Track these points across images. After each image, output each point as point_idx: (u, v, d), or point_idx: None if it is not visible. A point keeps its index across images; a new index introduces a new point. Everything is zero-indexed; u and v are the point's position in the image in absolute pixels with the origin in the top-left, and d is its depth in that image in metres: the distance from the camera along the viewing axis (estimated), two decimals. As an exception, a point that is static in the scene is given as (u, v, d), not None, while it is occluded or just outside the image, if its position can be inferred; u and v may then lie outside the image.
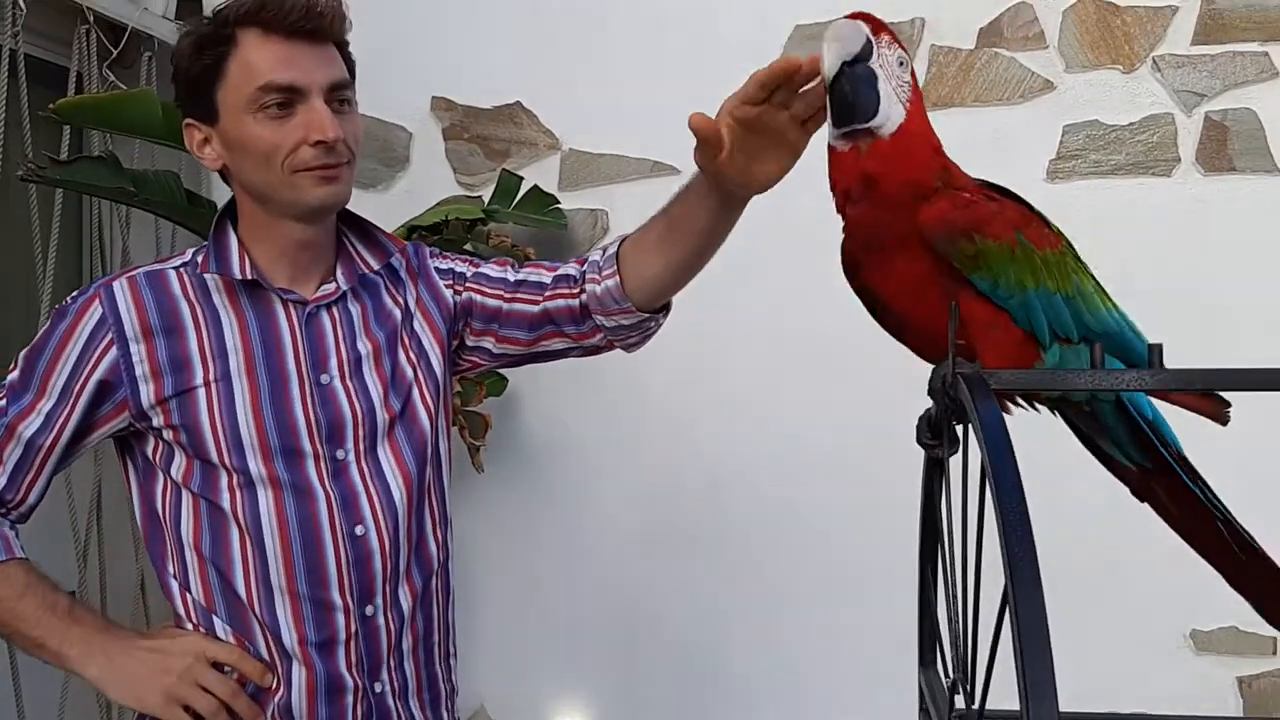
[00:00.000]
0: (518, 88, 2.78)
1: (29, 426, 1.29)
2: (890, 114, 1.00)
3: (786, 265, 2.50)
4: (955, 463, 0.90)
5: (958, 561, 0.84)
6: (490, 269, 1.47)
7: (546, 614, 2.80)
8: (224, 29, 1.28)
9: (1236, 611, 2.50)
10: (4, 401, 1.31)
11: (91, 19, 2.60)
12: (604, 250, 1.41)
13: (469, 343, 1.47)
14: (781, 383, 2.64)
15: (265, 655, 1.32)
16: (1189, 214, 2.50)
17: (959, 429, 0.88)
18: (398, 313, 1.41)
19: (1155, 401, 1.05)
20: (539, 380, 2.75)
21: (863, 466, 2.49)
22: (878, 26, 1.02)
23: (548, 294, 1.42)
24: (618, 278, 1.37)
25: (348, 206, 1.39)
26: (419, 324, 1.42)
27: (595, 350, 1.47)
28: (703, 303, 2.67)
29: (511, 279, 1.45)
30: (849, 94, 1.00)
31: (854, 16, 1.02)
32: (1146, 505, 1.11)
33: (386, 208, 2.72)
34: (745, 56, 2.63)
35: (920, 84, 2.53)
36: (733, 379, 2.67)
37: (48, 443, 1.30)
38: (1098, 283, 1.07)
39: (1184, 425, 1.09)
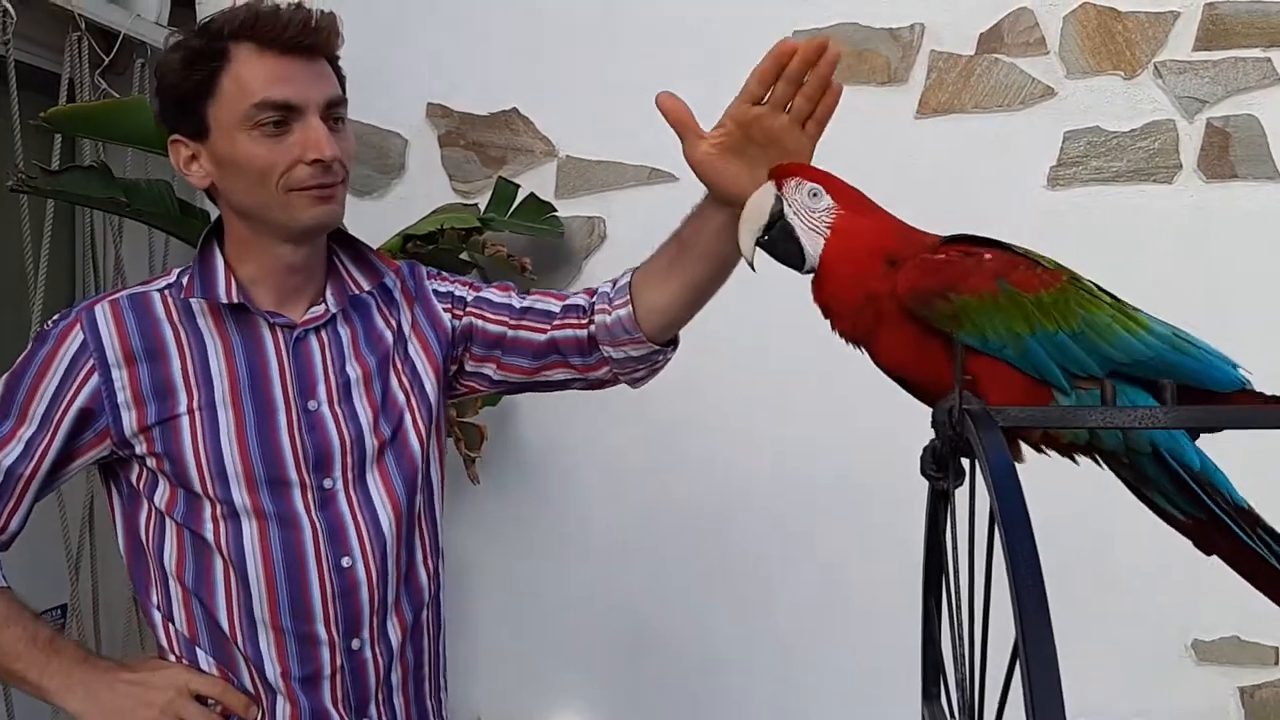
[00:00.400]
0: (514, 94, 2.76)
1: (9, 455, 1.26)
2: (814, 251, 1.08)
3: (790, 275, 2.48)
4: (962, 488, 0.88)
5: (963, 598, 0.82)
6: (493, 294, 1.44)
7: (542, 625, 2.78)
8: (216, 43, 1.23)
9: (1238, 622, 2.52)
10: None
11: (83, 25, 2.57)
12: (614, 282, 1.40)
13: (468, 368, 1.44)
14: (782, 393, 2.62)
15: (249, 688, 1.29)
16: (1190, 221, 2.49)
17: (965, 461, 0.86)
18: (389, 335, 1.38)
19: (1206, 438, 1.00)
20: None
21: (866, 479, 2.47)
22: (783, 174, 1.11)
23: (555, 323, 1.40)
24: (630, 308, 1.35)
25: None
26: (414, 348, 1.39)
27: (599, 384, 1.45)
28: (704, 313, 2.67)
29: (516, 305, 1.42)
30: (778, 256, 1.11)
31: (769, 174, 1.12)
32: (1150, 514, 1.07)
33: (381, 215, 2.70)
34: (743, 63, 2.64)
35: (920, 90, 2.55)
36: (732, 390, 2.65)
37: (28, 471, 1.26)
38: (1120, 308, 1.01)
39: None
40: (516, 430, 2.75)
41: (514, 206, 2.58)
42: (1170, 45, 2.48)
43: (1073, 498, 2.28)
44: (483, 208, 2.61)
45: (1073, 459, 1.02)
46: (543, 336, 1.40)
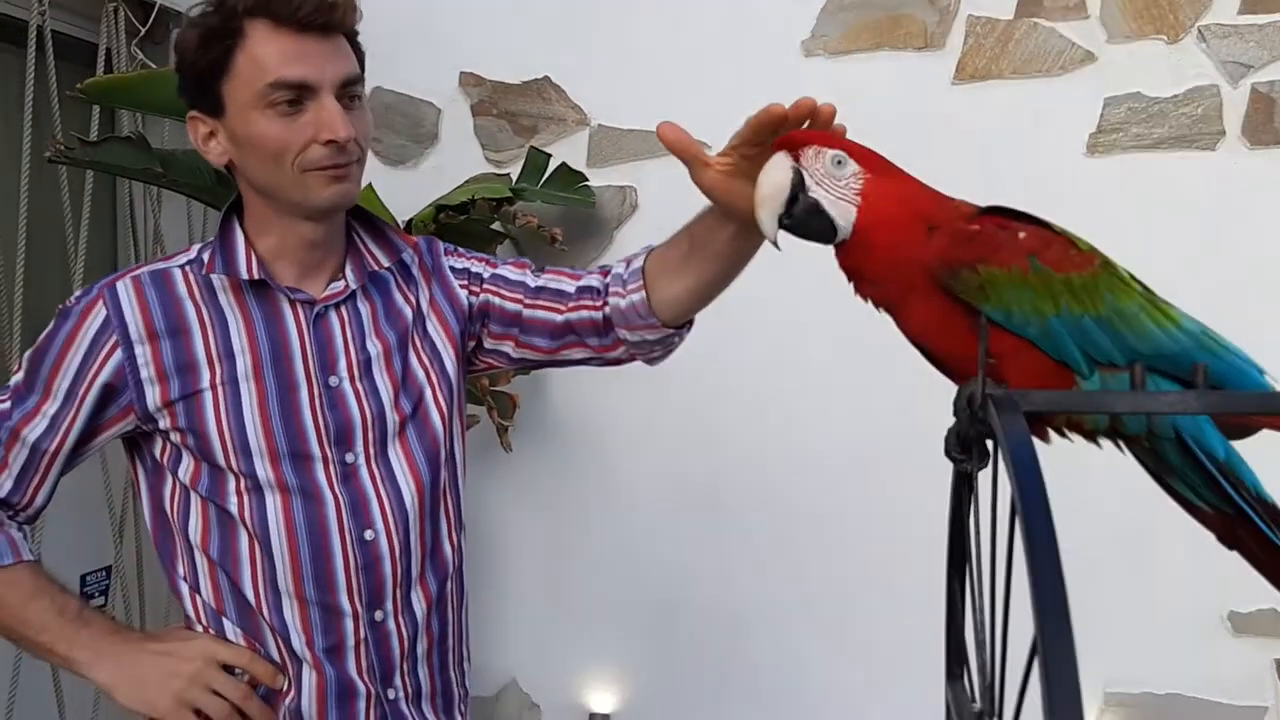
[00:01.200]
0: (546, 63, 2.75)
1: (34, 430, 1.27)
2: (845, 222, 1.03)
3: (816, 248, 2.46)
4: (985, 473, 0.87)
5: (984, 583, 0.81)
6: (509, 271, 1.44)
7: (575, 589, 2.81)
8: (232, 20, 1.21)
9: (1275, 594, 2.49)
10: (8, 404, 1.28)
11: (119, -5, 2.59)
12: (628, 264, 1.38)
13: (487, 345, 1.45)
14: (811, 365, 2.61)
15: (276, 658, 1.31)
16: (1234, 189, 2.43)
17: (989, 443, 0.86)
18: (409, 311, 1.38)
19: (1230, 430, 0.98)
20: (568, 358, 2.74)
21: (896, 450, 2.46)
22: (799, 143, 1.05)
23: (571, 305, 1.39)
24: (643, 293, 1.34)
25: (374, 192, 1.35)
26: (432, 325, 1.39)
27: (616, 362, 1.44)
28: (735, 283, 2.66)
29: (531, 284, 1.42)
30: (804, 234, 1.05)
31: (777, 145, 1.06)
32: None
33: (415, 185, 2.72)
34: (777, 29, 2.63)
35: (958, 55, 2.51)
36: (762, 361, 2.64)
37: (53, 446, 1.28)
38: (1151, 300, 0.99)
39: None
40: (548, 399, 2.76)
41: (546, 176, 2.58)
42: (1215, 8, 2.42)
43: (1110, 469, 2.26)
44: (515, 177, 2.61)
45: (1096, 443, 1.01)
46: (559, 318, 1.40)
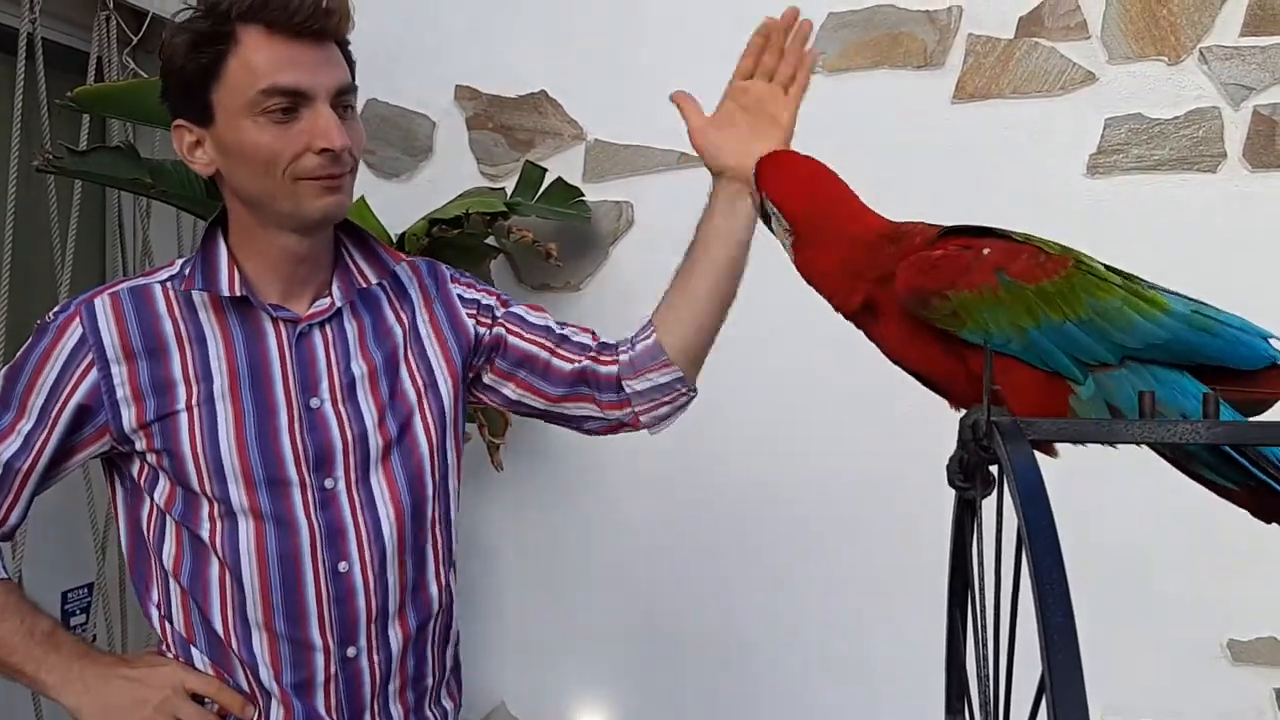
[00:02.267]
0: (543, 77, 2.72)
1: (8, 448, 1.23)
2: (785, 246, 1.12)
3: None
4: (988, 501, 0.84)
5: (988, 617, 0.78)
6: (526, 312, 1.43)
7: (566, 611, 2.77)
8: (223, 25, 1.17)
9: (1275, 622, 2.46)
10: None
11: (112, 4, 2.57)
12: (634, 328, 1.44)
13: (485, 381, 1.42)
14: (811, 383, 2.58)
15: (245, 690, 1.27)
16: (1235, 212, 2.41)
17: (993, 469, 0.83)
18: (399, 331, 1.34)
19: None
20: (561, 376, 2.71)
21: (895, 476, 2.43)
22: (757, 180, 1.17)
23: (590, 355, 1.41)
24: (654, 337, 1.39)
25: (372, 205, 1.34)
26: (432, 349, 1.35)
27: (615, 426, 1.46)
28: (731, 308, 2.64)
29: (555, 330, 1.42)
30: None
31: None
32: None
33: (409, 198, 2.69)
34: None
35: (957, 74, 2.49)
36: (759, 378, 2.61)
37: (26, 465, 1.23)
38: (1132, 289, 0.95)
39: None
40: (541, 417, 2.73)
41: (541, 190, 2.55)
42: (1217, 30, 2.40)
43: (1110, 497, 2.24)
44: (510, 191, 2.58)
45: (1113, 445, 0.97)
46: (575, 366, 1.40)
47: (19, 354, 1.25)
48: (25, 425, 1.23)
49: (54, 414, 1.22)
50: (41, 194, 2.43)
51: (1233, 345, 0.94)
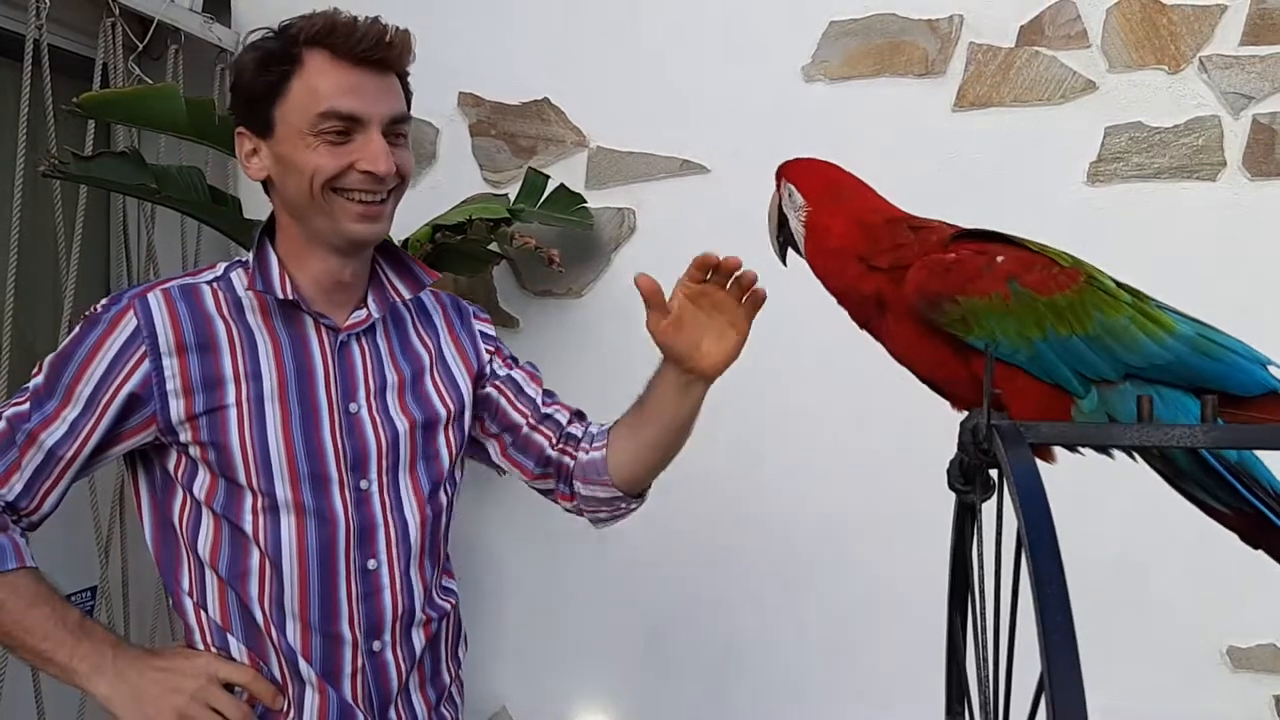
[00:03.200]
0: (546, 84, 2.74)
1: (52, 435, 1.26)
2: (799, 234, 1.13)
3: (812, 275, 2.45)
4: (987, 504, 0.85)
5: (988, 619, 0.79)
6: (523, 380, 1.49)
7: (568, 616, 2.78)
8: (292, 47, 1.26)
9: (1275, 629, 2.46)
10: (27, 406, 1.27)
11: (117, 11, 2.57)
12: (602, 426, 1.48)
13: (472, 434, 1.48)
14: (814, 388, 2.59)
15: (279, 678, 1.30)
16: (1234, 220, 2.43)
17: (993, 472, 0.84)
18: (425, 353, 1.41)
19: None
20: (563, 382, 2.71)
21: (897, 481, 2.44)
22: (778, 173, 1.17)
23: (558, 446, 1.46)
24: (604, 452, 1.43)
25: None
26: (458, 369, 1.42)
27: (578, 512, 1.52)
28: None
29: (540, 406, 1.47)
30: (799, 253, 1.17)
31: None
32: (1187, 521, 1.04)
33: (412, 204, 2.65)
34: (778, 54, 2.62)
35: (958, 82, 2.51)
36: (763, 384, 2.62)
37: (70, 453, 1.27)
38: (1140, 309, 0.97)
39: None
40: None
41: (544, 197, 2.56)
42: (1216, 39, 2.42)
43: (1111, 502, 2.25)
44: (513, 198, 2.59)
45: (1109, 454, 0.98)
46: (551, 451, 1.47)
47: (67, 343, 1.29)
48: (71, 413, 1.26)
49: (103, 402, 1.25)
50: (46, 199, 2.44)
51: (1233, 370, 0.96)
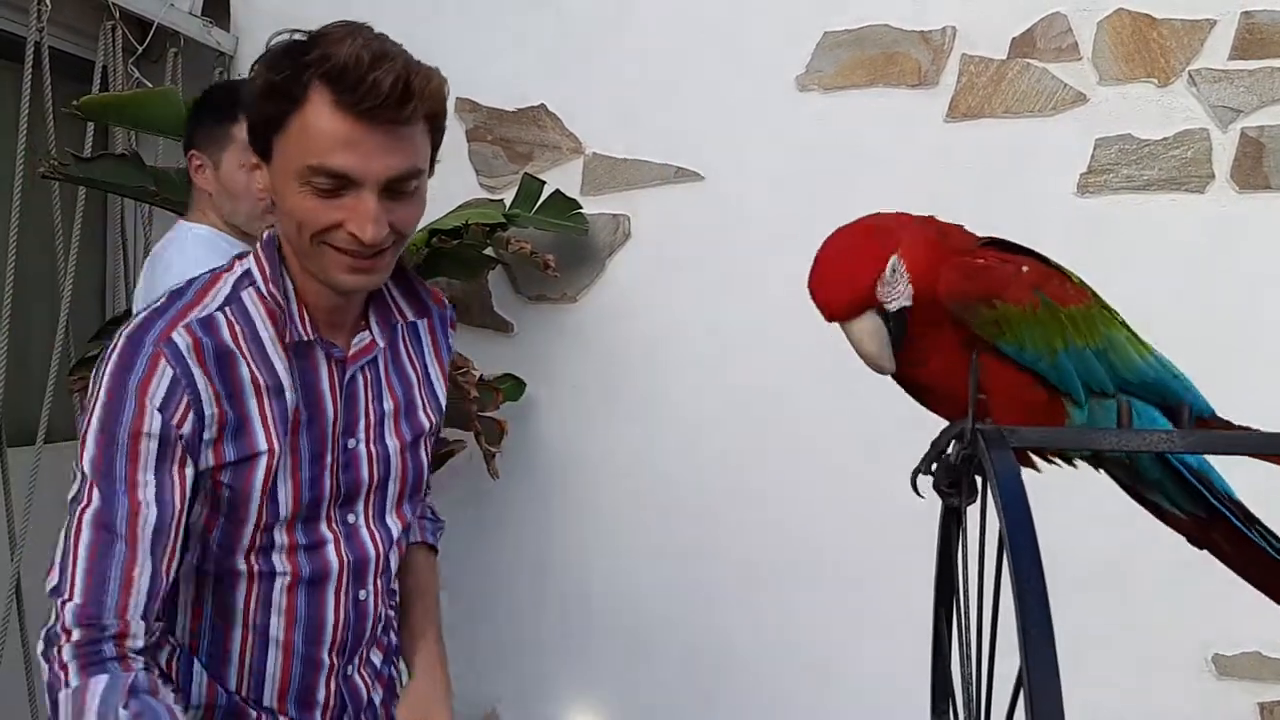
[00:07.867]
0: (542, 91, 2.76)
1: (145, 523, 1.13)
2: (909, 301, 1.00)
3: (803, 287, 2.47)
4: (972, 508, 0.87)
5: (972, 620, 0.81)
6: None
7: (559, 617, 2.79)
8: (300, 76, 1.11)
9: (1260, 637, 2.49)
10: (98, 503, 1.12)
11: (117, 14, 2.59)
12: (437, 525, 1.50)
13: None
14: (801, 394, 2.61)
15: (236, 705, 1.27)
16: (1222, 232, 2.46)
17: (979, 478, 0.86)
18: (413, 374, 1.34)
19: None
20: (555, 387, 2.73)
21: (883, 482, 2.45)
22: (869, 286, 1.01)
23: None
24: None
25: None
26: (439, 386, 1.37)
27: None
28: (721, 310, 2.67)
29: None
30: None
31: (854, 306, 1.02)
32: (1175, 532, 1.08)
33: (408, 209, 2.71)
34: (772, 64, 2.64)
35: (951, 93, 2.53)
36: (750, 389, 2.64)
37: (171, 521, 1.15)
38: (1130, 331, 1.02)
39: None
40: (536, 426, 2.76)
41: (539, 203, 2.58)
42: (1206, 53, 2.45)
43: (1095, 510, 2.26)
44: (508, 203, 2.61)
45: (1072, 464, 1.02)
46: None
47: (103, 415, 1.16)
48: (148, 493, 1.15)
49: (172, 458, 1.16)
50: (45, 200, 2.45)
51: (1189, 390, 1.02)
